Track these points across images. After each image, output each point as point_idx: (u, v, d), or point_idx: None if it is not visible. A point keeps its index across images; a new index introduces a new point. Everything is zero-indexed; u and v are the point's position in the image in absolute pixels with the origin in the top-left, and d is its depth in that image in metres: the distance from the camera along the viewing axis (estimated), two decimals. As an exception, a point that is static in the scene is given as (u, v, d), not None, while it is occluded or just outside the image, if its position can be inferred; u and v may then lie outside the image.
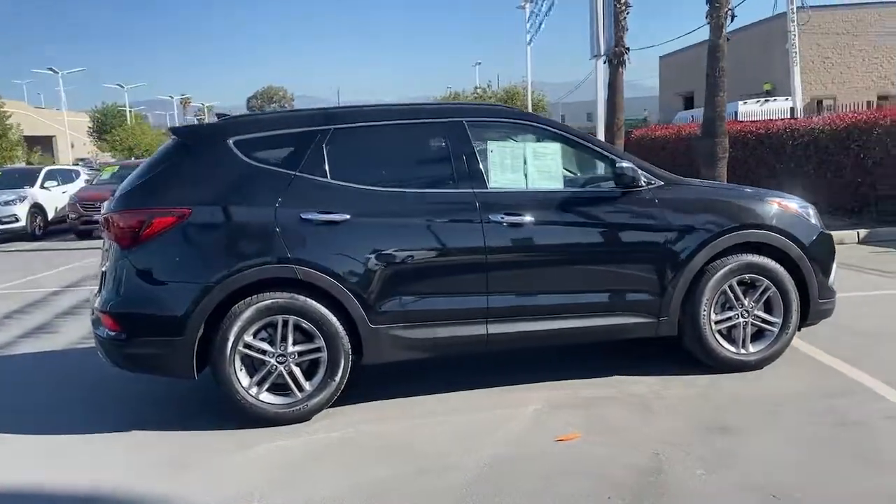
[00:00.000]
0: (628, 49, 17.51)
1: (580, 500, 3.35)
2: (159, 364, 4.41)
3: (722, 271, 4.80)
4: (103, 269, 4.69)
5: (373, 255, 4.45)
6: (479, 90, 46.44)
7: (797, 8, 16.10)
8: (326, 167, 4.53)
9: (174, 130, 4.80)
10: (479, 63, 58.92)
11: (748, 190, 5.30)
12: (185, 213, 4.34)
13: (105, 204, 4.82)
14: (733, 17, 11.77)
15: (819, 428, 4.01)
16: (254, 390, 4.38)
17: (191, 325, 4.28)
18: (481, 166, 4.68)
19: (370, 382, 4.93)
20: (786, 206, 5.04)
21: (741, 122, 16.97)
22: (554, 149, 4.84)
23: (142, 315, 4.34)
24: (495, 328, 4.62)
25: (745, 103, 23.53)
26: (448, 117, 4.77)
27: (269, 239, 4.37)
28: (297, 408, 4.41)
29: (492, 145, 4.77)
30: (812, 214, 5.13)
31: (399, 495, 3.50)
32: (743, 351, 4.92)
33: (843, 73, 40.37)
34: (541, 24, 25.43)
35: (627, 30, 17.34)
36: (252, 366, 4.40)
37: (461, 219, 4.57)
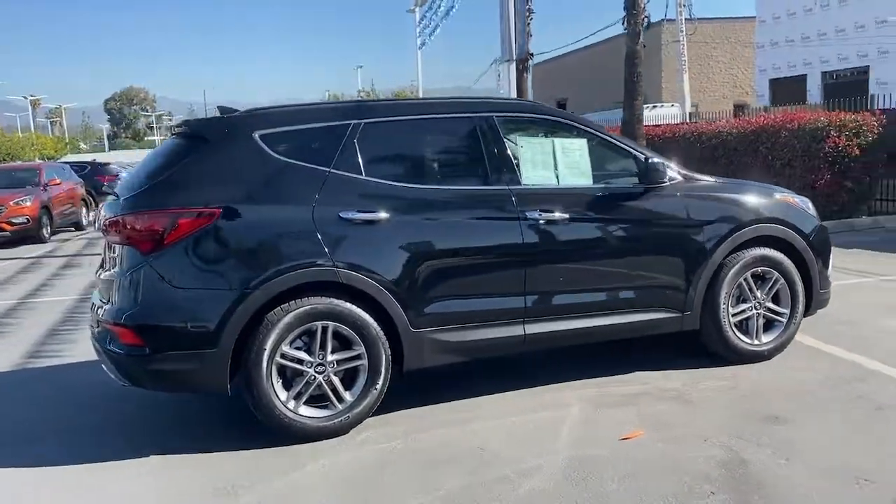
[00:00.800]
0: (532, 55, 17.89)
1: (682, 497, 3.31)
2: (189, 380, 4.02)
3: (739, 265, 4.93)
4: (107, 276, 4.25)
5: (414, 256, 4.25)
6: (362, 93, 46.09)
7: (685, 19, 16.88)
8: (360, 163, 4.29)
9: (189, 124, 4.40)
10: (361, 66, 58.45)
11: (756, 185, 5.48)
12: (214, 214, 3.98)
13: (108, 206, 4.37)
14: (649, 24, 12.28)
15: (859, 412, 4.17)
16: (291, 404, 4.07)
17: (225, 336, 3.93)
18: (514, 162, 4.58)
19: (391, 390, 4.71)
20: (791, 200, 5.25)
21: (646, 125, 17.61)
22: (581, 145, 4.81)
23: (169, 326, 3.93)
24: (532, 328, 4.53)
25: (654, 107, 24.64)
26: (479, 112, 4.63)
27: (309, 240, 4.08)
28: (339, 420, 4.14)
29: (522, 141, 4.68)
30: (810, 207, 5.36)
31: (493, 504, 3.35)
32: (756, 342, 5.07)
33: (703, 83, 43.11)
34: (436, 27, 25.56)
35: (531, 36, 17.70)
36: (287, 377, 4.10)
37: (499, 216, 4.45)
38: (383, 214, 4.20)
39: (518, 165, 4.59)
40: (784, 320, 5.12)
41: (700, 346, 5.12)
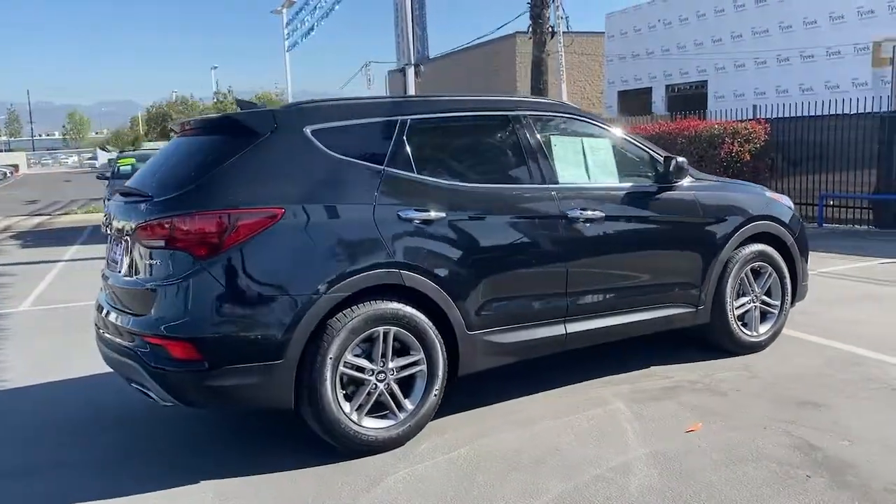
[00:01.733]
0: (429, 58, 17.97)
1: (783, 482, 3.42)
2: (251, 396, 3.68)
3: (741, 260, 5.19)
4: (129, 282, 3.83)
5: (468, 256, 4.13)
6: (219, 95, 44.18)
7: (563, 31, 17.50)
8: (412, 161, 4.12)
9: (233, 118, 4.02)
10: (216, 67, 55.84)
11: (749, 184, 5.78)
12: (277, 214, 3.68)
13: (127, 207, 3.93)
14: (553, 33, 12.71)
15: (881, 394, 4.49)
16: (355, 416, 3.84)
17: (292, 346, 3.64)
18: (550, 161, 4.57)
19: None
20: (778, 198, 5.60)
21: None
22: (605, 144, 4.88)
23: (230, 337, 3.58)
24: (573, 327, 4.54)
25: None
26: (515, 109, 4.59)
27: (372, 241, 3.87)
28: (401, 430, 3.95)
29: (555, 139, 4.68)
30: (791, 205, 5.74)
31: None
32: (755, 333, 5.35)
33: (555, 94, 45.01)
34: (311, 29, 24.94)
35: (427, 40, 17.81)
36: (348, 388, 3.86)
37: (544, 215, 4.43)
38: (439, 213, 4.06)
39: (554, 164, 4.58)
40: (776, 312, 5.45)
41: (692, 340, 5.35)
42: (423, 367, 4.01)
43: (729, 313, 5.18)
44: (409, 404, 3.98)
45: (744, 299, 5.28)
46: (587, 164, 4.74)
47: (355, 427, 3.81)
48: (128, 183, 4.29)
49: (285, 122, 3.94)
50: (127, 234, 3.94)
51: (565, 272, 4.46)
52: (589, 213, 4.53)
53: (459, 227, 4.11)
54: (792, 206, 5.70)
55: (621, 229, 4.71)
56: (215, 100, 43.61)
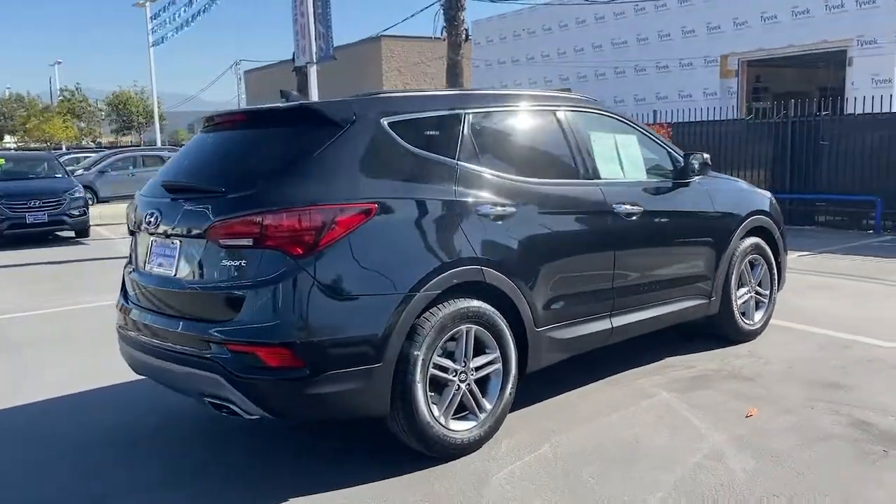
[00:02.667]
0: (335, 58, 17.41)
1: (865, 458, 3.63)
2: (349, 403, 3.44)
3: (742, 253, 5.46)
4: (190, 283, 3.52)
5: (535, 252, 4.09)
6: (65, 92, 40.90)
7: (466, 32, 17.76)
8: (477, 155, 4.01)
9: (310, 108, 3.72)
10: (60, 62, 51.35)
11: (743, 181, 6.06)
12: (371, 209, 3.47)
13: (192, 203, 3.57)
14: (467, 36, 12.79)
15: (889, 372, 4.86)
16: (442, 419, 3.69)
17: (390, 347, 3.45)
18: (592, 156, 4.60)
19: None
20: (763, 193, 5.93)
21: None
22: (633, 140, 4.98)
23: (331, 341, 3.34)
24: (617, 321, 4.60)
25: None
26: (559, 105, 4.59)
27: (456, 237, 3.74)
28: (482, 430, 3.85)
29: (593, 136, 4.71)
30: (774, 199, 6.09)
31: (721, 492, 3.36)
32: (752, 322, 5.65)
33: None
34: (183, 25, 23.57)
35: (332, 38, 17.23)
36: (434, 389, 3.71)
37: (596, 210, 4.46)
38: (509, 209, 3.98)
39: (595, 159, 4.62)
40: (766, 301, 5.78)
41: (680, 332, 5.55)
42: (499, 365, 3.92)
43: (734, 304, 5.43)
44: (487, 404, 3.88)
45: (743, 290, 5.55)
46: (620, 159, 4.82)
47: (444, 430, 3.67)
48: (169, 178, 3.88)
49: (363, 113, 3.72)
50: (186, 234, 3.58)
51: (612, 266, 4.51)
52: (629, 207, 4.60)
53: (527, 223, 4.06)
54: (774, 200, 6.06)
55: (655, 223, 4.82)
56: (61, 97, 40.39)
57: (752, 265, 5.63)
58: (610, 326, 4.55)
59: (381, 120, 3.73)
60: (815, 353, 5.31)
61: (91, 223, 14.44)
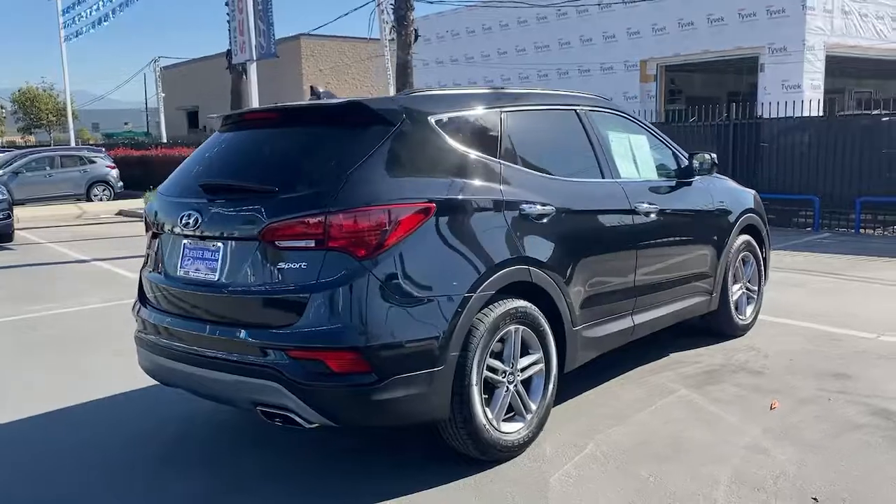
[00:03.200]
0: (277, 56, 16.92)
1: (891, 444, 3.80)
2: (412, 408, 3.33)
3: (737, 249, 5.61)
4: (246, 293, 3.34)
5: (572, 251, 4.08)
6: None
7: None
8: (515, 154, 3.98)
9: (360, 105, 3.57)
10: None
11: (727, 178, 6.22)
12: (429, 209, 3.38)
13: (240, 204, 3.40)
14: (417, 36, 12.71)
15: (884, 361, 5.09)
16: (495, 421, 3.64)
17: (451, 350, 3.37)
18: (613, 156, 4.64)
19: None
20: (753, 192, 6.11)
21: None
22: (643, 140, 5.04)
23: (398, 344, 3.23)
24: (638, 319, 4.65)
25: None
26: (579, 105, 4.60)
27: (506, 237, 3.70)
28: (529, 432, 3.81)
29: (611, 135, 4.74)
30: (759, 198, 6.28)
31: (780, 483, 3.44)
32: (744, 317, 5.82)
33: (342, 97, 45.06)
34: (101, 19, 22.41)
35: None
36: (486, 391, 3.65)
37: (621, 209, 4.50)
38: (548, 208, 3.96)
39: (615, 158, 4.65)
40: (755, 296, 5.96)
41: (680, 327, 5.65)
42: (542, 365, 3.89)
43: (730, 300, 5.58)
44: (532, 405, 3.84)
45: (737, 286, 5.71)
46: (634, 158, 4.87)
47: (496, 433, 3.61)
48: (207, 177, 3.67)
49: (413, 111, 3.62)
50: (233, 236, 3.40)
51: (635, 265, 4.55)
52: (647, 206, 4.66)
53: (564, 222, 4.04)
54: (758, 197, 6.25)
55: (668, 222, 4.89)
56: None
57: (744, 262, 5.80)
58: (632, 324, 4.59)
59: (429, 118, 3.65)
60: (808, 346, 5.51)
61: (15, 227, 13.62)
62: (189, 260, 3.61)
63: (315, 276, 3.20)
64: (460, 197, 3.55)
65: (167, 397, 4.54)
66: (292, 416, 3.24)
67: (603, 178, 4.49)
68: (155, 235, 3.90)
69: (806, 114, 12.60)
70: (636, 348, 5.34)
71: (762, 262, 6.00)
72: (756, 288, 5.95)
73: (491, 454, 3.62)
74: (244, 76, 16.72)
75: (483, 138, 3.85)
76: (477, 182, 3.68)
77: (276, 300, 3.27)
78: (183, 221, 3.55)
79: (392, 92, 19.77)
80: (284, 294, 3.25)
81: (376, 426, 3.60)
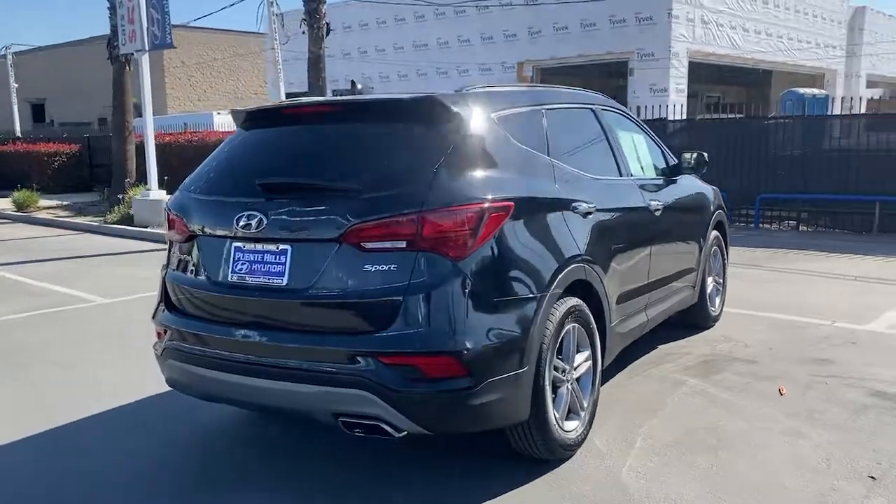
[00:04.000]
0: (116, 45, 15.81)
1: (909, 422, 4.12)
2: (503, 411, 3.26)
3: (711, 244, 5.88)
4: (326, 297, 3.14)
5: (610, 248, 4.14)
6: None
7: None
8: (559, 151, 3.97)
9: (434, 100, 3.39)
10: None
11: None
12: (509, 207, 3.30)
13: (314, 203, 3.19)
14: (329, 30, 12.37)
15: (851, 346, 5.49)
16: (560, 420, 3.62)
17: (531, 350, 3.33)
18: (625, 154, 4.72)
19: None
20: (715, 189, 6.40)
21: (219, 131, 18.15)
22: (642, 139, 5.17)
23: (492, 347, 3.14)
24: (650, 313, 4.78)
25: (220, 114, 23.87)
26: (594, 104, 4.65)
27: (565, 234, 3.68)
28: (584, 428, 3.83)
29: (621, 134, 4.82)
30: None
31: (834, 464, 3.63)
32: (714, 308, 6.11)
33: (206, 91, 43.41)
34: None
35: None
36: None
37: (639, 207, 4.60)
38: (592, 205, 3.98)
39: (626, 156, 4.74)
40: (722, 288, 6.27)
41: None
42: (590, 363, 3.91)
43: (707, 292, 5.83)
44: (586, 402, 3.85)
45: (710, 279, 5.98)
46: (638, 157, 4.99)
47: (561, 432, 3.60)
48: (268, 176, 3.39)
49: (479, 107, 3.53)
50: (308, 238, 3.19)
51: (649, 261, 4.66)
52: (655, 203, 4.79)
53: (602, 219, 4.08)
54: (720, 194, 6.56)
55: (670, 219, 5.04)
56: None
57: (714, 255, 6.08)
58: (646, 319, 4.71)
59: (492, 114, 3.58)
60: (778, 334, 5.85)
61: None
62: (243, 264, 3.34)
63: (407, 278, 3.05)
64: (531, 195, 3.51)
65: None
66: (382, 425, 3.08)
67: (620, 175, 4.57)
68: (189, 238, 3.57)
69: (682, 117, 13.35)
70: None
71: (726, 256, 6.31)
72: (722, 280, 6.26)
73: (558, 454, 3.60)
74: (127, 67, 15.66)
75: (534, 136, 3.82)
76: (539, 180, 3.65)
77: (364, 304, 3.09)
78: (241, 223, 3.28)
79: (282, 90, 19.28)
80: (373, 298, 3.07)
81: (466, 432, 3.47)
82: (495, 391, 3.15)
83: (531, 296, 3.33)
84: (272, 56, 24.44)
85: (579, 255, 3.72)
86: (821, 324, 6.16)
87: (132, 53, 14.14)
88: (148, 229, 13.11)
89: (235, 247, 3.37)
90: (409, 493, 3.44)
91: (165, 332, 3.61)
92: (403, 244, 3.06)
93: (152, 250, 11.32)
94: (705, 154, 5.46)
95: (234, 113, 3.93)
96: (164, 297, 3.70)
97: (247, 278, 3.32)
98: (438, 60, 30.18)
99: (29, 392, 4.94)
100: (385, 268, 3.07)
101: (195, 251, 3.54)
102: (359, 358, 3.05)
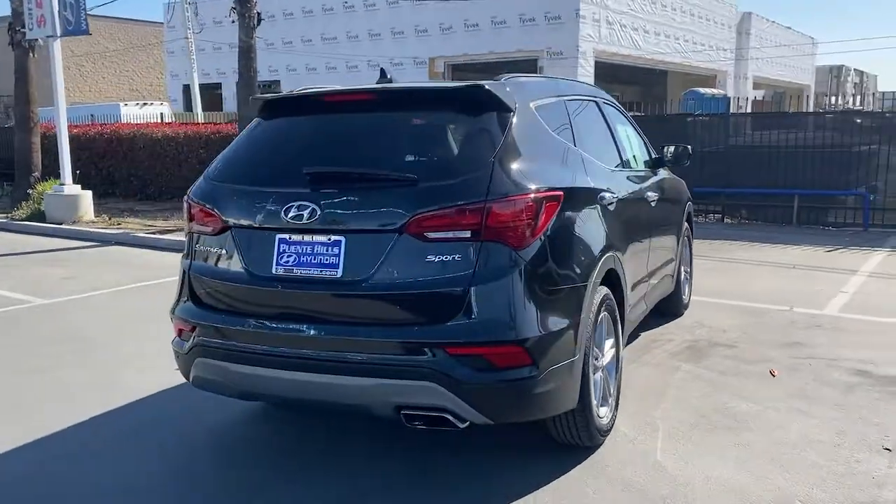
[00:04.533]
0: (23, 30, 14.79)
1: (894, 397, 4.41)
2: (559, 399, 3.27)
3: (683, 234, 6.09)
4: (388, 288, 3.08)
5: (626, 239, 4.23)
6: None
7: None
8: (583, 142, 4.03)
9: (482, 89, 3.33)
10: None
11: None
12: (559, 197, 3.32)
13: (396, 192, 3.11)
14: (260, 19, 11.99)
15: (817, 330, 5.81)
16: (597, 407, 3.67)
17: (581, 338, 3.37)
18: (625, 147, 4.83)
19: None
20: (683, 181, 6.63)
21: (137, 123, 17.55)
22: (632, 132, 5.28)
23: (552, 336, 3.16)
24: (647, 302, 4.91)
25: (127, 105, 22.71)
26: (596, 96, 4.73)
27: (601, 224, 3.74)
28: (613, 414, 3.90)
29: (619, 127, 4.92)
30: None
31: (847, 438, 3.84)
32: (685, 296, 6.33)
33: (98, 82, 41.33)
34: None
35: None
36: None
37: (641, 198, 4.72)
38: (613, 196, 4.06)
39: (626, 150, 4.85)
40: (689, 277, 6.50)
41: None
42: (614, 350, 3.98)
43: (681, 281, 6.04)
44: (612, 388, 3.92)
45: (682, 268, 6.19)
46: (632, 149, 5.10)
47: (598, 418, 3.66)
48: (316, 166, 3.26)
49: (521, 96, 3.51)
50: (364, 228, 3.10)
51: (649, 251, 4.79)
52: (651, 194, 4.93)
53: (619, 211, 4.14)
54: (685, 186, 6.80)
55: (661, 210, 5.19)
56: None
57: (685, 245, 6.30)
58: (645, 307, 4.84)
59: (530, 104, 3.58)
60: (746, 320, 6.13)
61: None
62: (290, 256, 3.21)
63: (471, 267, 3.01)
64: (573, 185, 3.54)
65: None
66: (447, 416, 3.04)
67: (623, 167, 4.66)
68: (223, 229, 3.40)
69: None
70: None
71: (691, 246, 6.56)
72: (689, 269, 6.49)
73: (595, 440, 3.66)
74: (31, 54, 14.68)
75: (562, 126, 3.86)
76: (575, 170, 3.69)
77: (428, 295, 3.03)
78: (291, 215, 3.15)
79: (196, 80, 18.53)
80: (438, 288, 3.02)
81: (527, 421, 3.44)
82: (555, 379, 3.16)
83: (581, 284, 3.37)
84: (185, 45, 23.44)
85: (612, 245, 3.78)
86: (781, 309, 6.48)
87: (38, 39, 13.29)
88: (63, 226, 12.36)
89: (280, 238, 3.23)
90: (458, 489, 3.41)
91: (193, 328, 3.42)
92: (468, 234, 3.02)
93: (71, 248, 10.73)
94: (689, 147, 5.64)
95: (254, 100, 3.77)
96: (189, 291, 3.51)
97: (295, 271, 3.19)
98: (348, 54, 29.87)
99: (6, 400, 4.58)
100: (449, 258, 3.02)
101: (230, 243, 3.37)
102: (425, 349, 2.99)
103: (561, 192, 3.32)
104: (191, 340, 3.43)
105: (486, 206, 3.01)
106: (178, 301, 3.58)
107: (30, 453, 3.80)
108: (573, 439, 3.58)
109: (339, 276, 3.12)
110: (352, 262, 3.11)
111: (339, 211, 3.13)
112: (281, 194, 3.23)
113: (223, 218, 3.38)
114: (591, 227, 3.63)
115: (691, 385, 4.62)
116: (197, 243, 3.53)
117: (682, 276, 6.19)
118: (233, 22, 11.90)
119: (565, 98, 4.07)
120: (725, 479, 3.41)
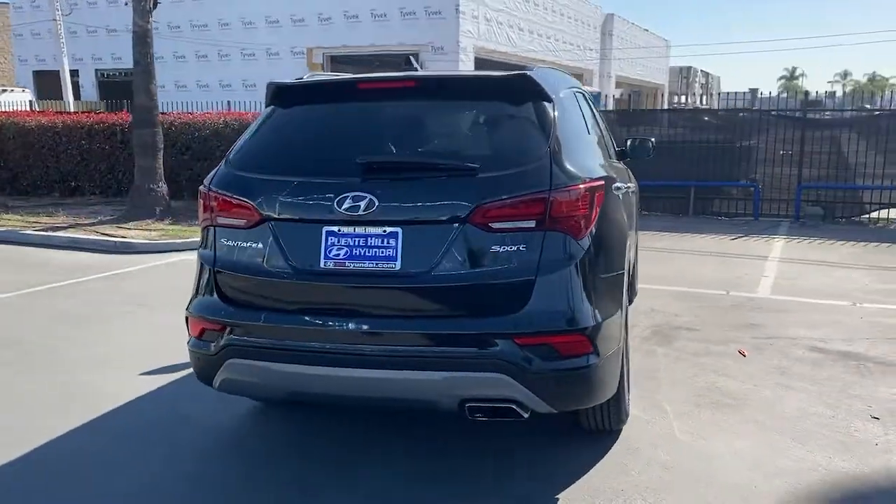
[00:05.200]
0: None
1: (857, 370, 4.73)
2: (608, 385, 3.27)
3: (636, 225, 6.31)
4: (452, 280, 3.00)
5: (630, 225, 4.34)
6: None
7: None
8: (592, 132, 4.09)
9: (529, 79, 3.27)
10: None
11: None
12: (604, 186, 3.35)
13: (457, 182, 3.02)
14: (156, 3, 11.26)
15: (768, 312, 6.18)
16: (627, 392, 3.75)
17: (624, 325, 3.42)
18: (605, 138, 4.93)
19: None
20: (629, 173, 6.84)
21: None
22: (604, 125, 5.38)
23: (608, 324, 3.18)
24: (630, 296, 5.04)
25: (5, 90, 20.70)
26: (580, 88, 4.77)
27: (623, 213, 3.83)
28: (629, 399, 3.98)
29: (597, 116, 5.00)
30: None
31: (840, 412, 4.12)
32: (636, 282, 6.56)
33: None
34: None
35: None
36: None
37: (629, 187, 4.82)
38: (621, 184, 4.13)
39: (606, 140, 4.95)
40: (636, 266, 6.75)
41: None
42: (624, 335, 4.07)
43: (634, 271, 6.26)
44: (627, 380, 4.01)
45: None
46: (606, 141, 5.21)
47: (625, 405, 3.73)
48: (370, 155, 3.11)
49: (551, 87, 3.49)
50: (424, 219, 3.02)
51: (634, 238, 4.93)
52: (631, 184, 5.08)
53: (626, 199, 4.26)
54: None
55: (631, 201, 5.31)
56: None
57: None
58: (627, 301, 4.97)
59: (560, 94, 3.58)
60: (692, 304, 6.44)
61: None
62: (341, 249, 3.04)
63: (537, 257, 2.99)
64: (607, 174, 3.59)
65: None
66: (513, 407, 3.00)
67: (610, 159, 4.76)
68: (258, 222, 3.18)
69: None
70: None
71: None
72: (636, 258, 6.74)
73: (622, 423, 3.73)
74: None
75: (581, 117, 3.89)
76: (602, 160, 3.75)
77: (494, 286, 2.97)
78: (345, 206, 2.99)
79: (66, 64, 17.10)
80: (504, 278, 2.97)
81: (582, 408, 3.42)
82: (609, 365, 3.20)
83: (623, 270, 3.44)
84: (34, 29, 21.65)
85: (631, 234, 3.87)
86: (718, 293, 6.86)
87: None
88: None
89: (328, 231, 3.07)
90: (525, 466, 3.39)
91: (223, 328, 3.19)
92: (532, 224, 2.99)
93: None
94: (652, 140, 5.82)
95: (269, 86, 3.55)
96: (215, 288, 3.27)
97: (347, 264, 3.04)
98: (221, 42, 28.71)
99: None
100: (514, 248, 2.98)
101: (268, 236, 3.16)
102: (493, 340, 2.94)
103: (603, 182, 3.36)
104: (219, 340, 3.19)
105: (551, 196, 3.00)
106: (197, 298, 3.32)
107: None
108: (603, 424, 3.63)
109: (397, 268, 3.00)
110: (410, 254, 3.00)
111: (396, 202, 3.01)
112: (331, 185, 3.07)
113: (259, 210, 3.16)
114: (619, 215, 3.70)
115: (675, 367, 4.80)
116: (223, 237, 3.28)
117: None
118: (126, 4, 11.14)
119: (574, 89, 4.11)
120: (748, 453, 3.58)
